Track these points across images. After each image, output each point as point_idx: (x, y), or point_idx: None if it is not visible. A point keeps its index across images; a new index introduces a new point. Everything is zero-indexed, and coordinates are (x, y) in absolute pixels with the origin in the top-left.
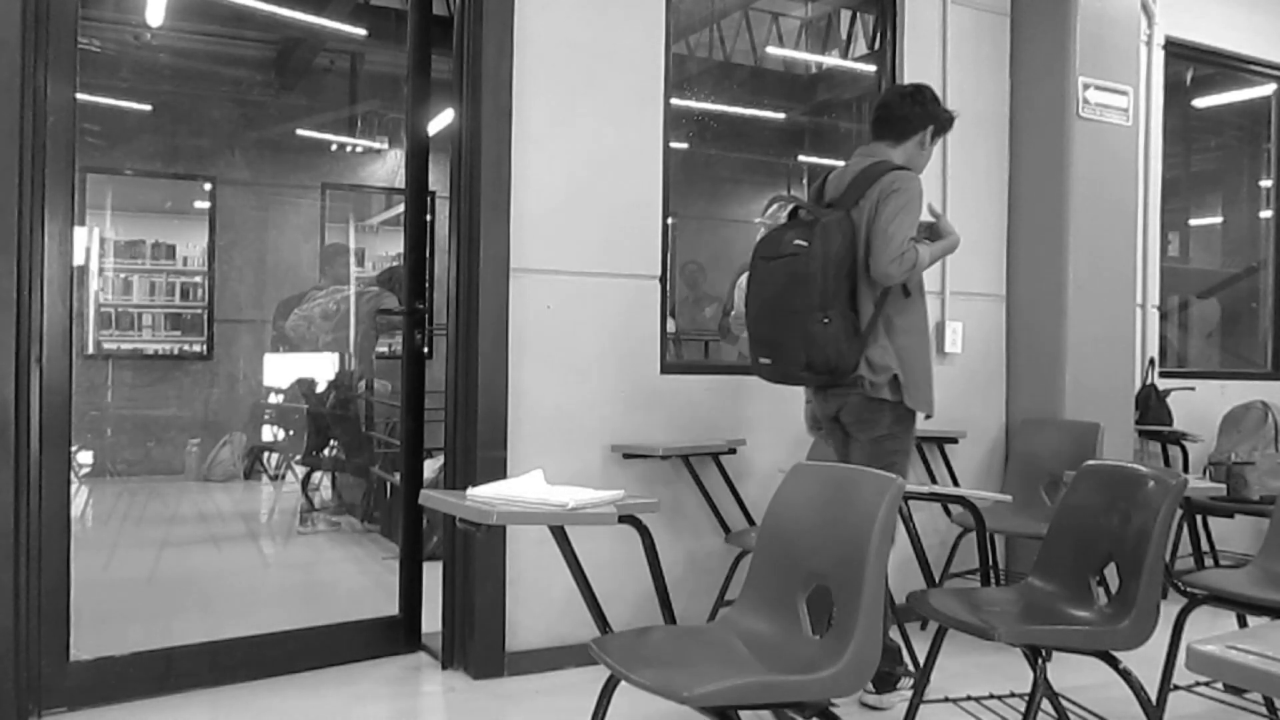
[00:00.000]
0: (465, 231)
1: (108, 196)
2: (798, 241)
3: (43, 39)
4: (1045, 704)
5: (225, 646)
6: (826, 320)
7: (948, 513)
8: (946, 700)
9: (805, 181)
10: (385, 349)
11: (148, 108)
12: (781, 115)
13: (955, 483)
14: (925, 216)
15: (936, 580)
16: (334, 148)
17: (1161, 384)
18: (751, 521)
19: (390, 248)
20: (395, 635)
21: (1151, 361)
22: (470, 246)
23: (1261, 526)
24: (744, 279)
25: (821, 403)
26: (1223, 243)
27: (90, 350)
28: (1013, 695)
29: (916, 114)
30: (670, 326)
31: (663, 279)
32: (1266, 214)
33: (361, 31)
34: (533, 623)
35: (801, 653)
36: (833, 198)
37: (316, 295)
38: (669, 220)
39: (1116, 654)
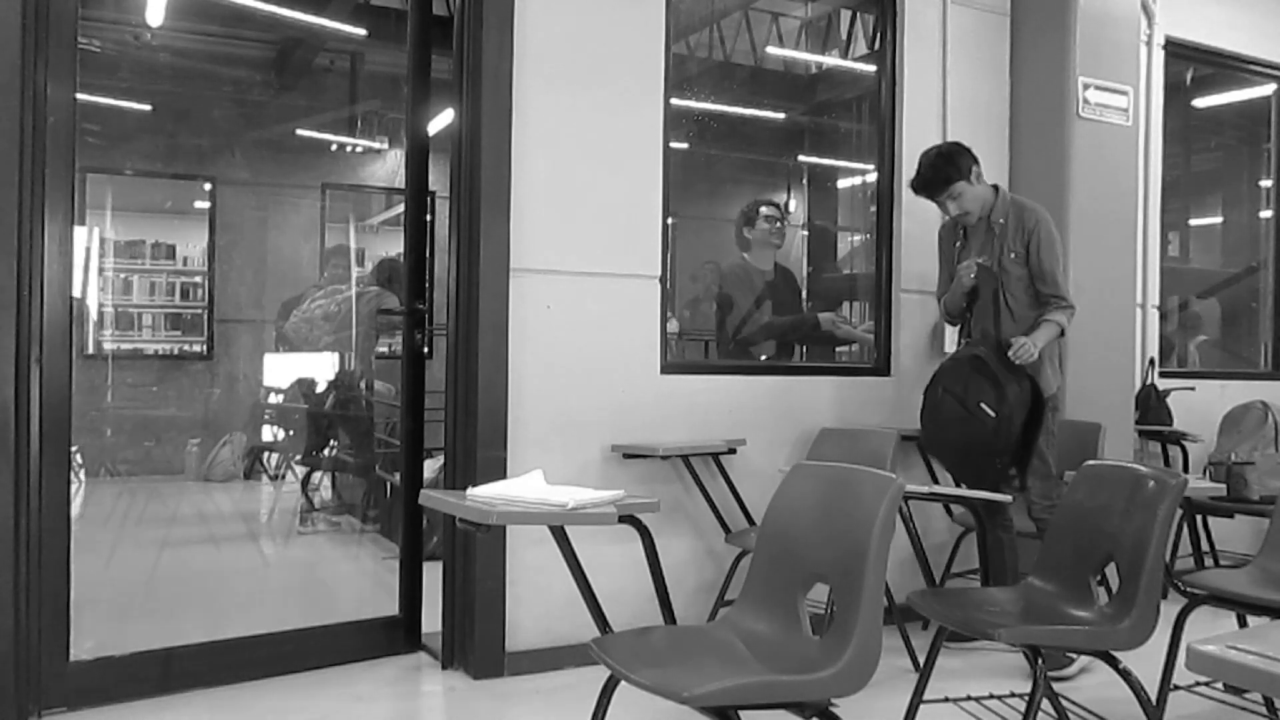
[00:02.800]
0: (465, 231)
1: (108, 196)
2: (984, 405)
3: (43, 39)
4: (1045, 704)
5: (225, 646)
6: (1000, 464)
7: (949, 512)
8: (946, 700)
9: (805, 182)
10: (385, 349)
11: (148, 108)
12: (781, 115)
13: (955, 483)
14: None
15: (936, 580)
16: (334, 148)
17: (1161, 384)
18: (751, 521)
19: (390, 248)
20: (395, 635)
21: (1151, 361)
22: (470, 246)
23: (1261, 526)
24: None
25: None
26: (1223, 243)
27: (90, 350)
28: (1013, 695)
29: None
30: (673, 326)
31: (663, 279)
32: (1266, 214)
33: (361, 31)
34: (533, 623)
35: (801, 653)
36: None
37: (316, 295)
38: (669, 220)
39: (1116, 654)
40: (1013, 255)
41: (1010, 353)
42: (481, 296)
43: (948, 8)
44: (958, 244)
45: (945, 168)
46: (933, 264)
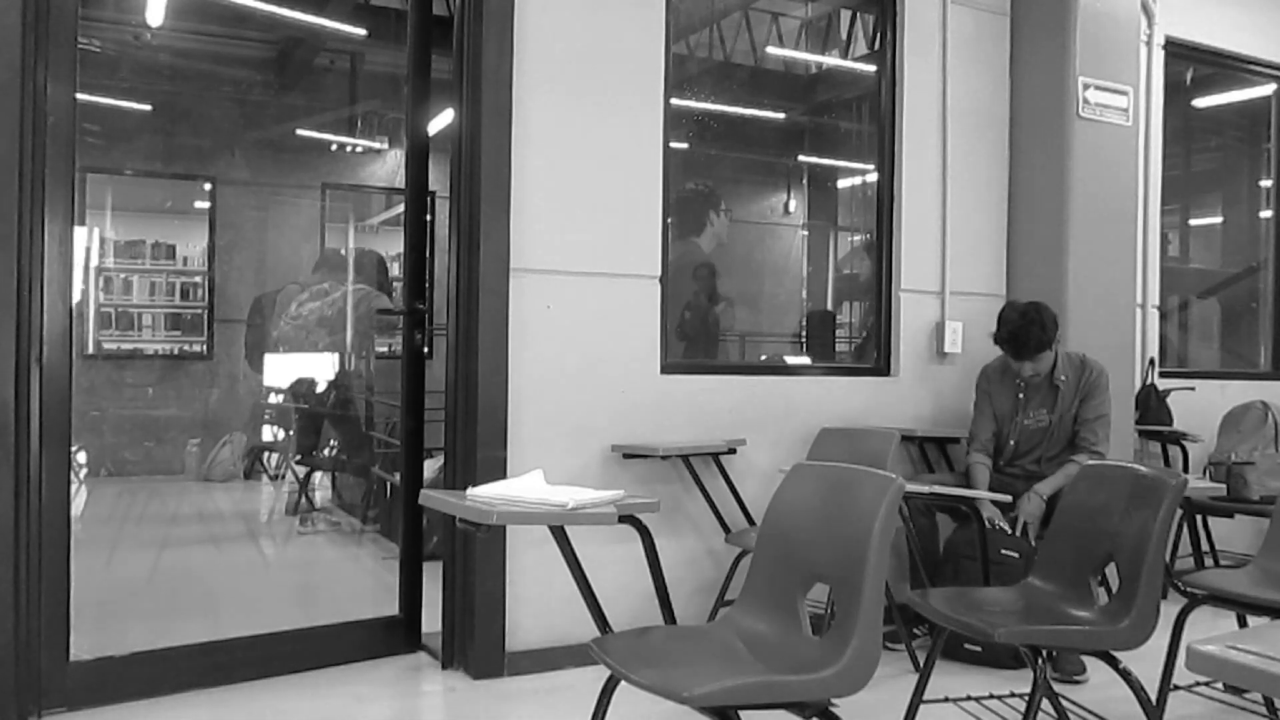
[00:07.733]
0: (465, 231)
1: (108, 196)
2: (1005, 551)
3: (43, 39)
4: (1045, 704)
5: (225, 646)
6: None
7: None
8: (946, 700)
9: (805, 182)
10: (385, 349)
11: (148, 108)
12: (781, 115)
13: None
14: None
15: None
16: (334, 148)
17: (1161, 384)
18: (751, 521)
19: (390, 248)
20: (395, 635)
21: (1151, 361)
22: (470, 246)
23: (1261, 526)
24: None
25: None
26: (1223, 243)
27: (90, 350)
28: (1013, 695)
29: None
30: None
31: (663, 279)
32: (1266, 214)
33: (361, 31)
34: (533, 623)
35: (801, 653)
36: None
37: (303, 298)
38: (669, 220)
39: (1116, 654)
40: (1073, 411)
41: (1018, 529)
42: (481, 296)
43: (948, 8)
44: (1020, 396)
45: (1041, 334)
46: (932, 263)
